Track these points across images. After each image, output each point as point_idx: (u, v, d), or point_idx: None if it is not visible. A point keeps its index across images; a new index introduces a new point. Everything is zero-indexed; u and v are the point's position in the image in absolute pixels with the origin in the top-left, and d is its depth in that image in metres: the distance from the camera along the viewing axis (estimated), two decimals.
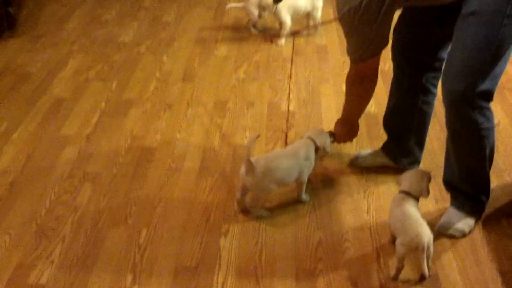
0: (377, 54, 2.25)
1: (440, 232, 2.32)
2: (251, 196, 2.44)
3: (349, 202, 2.54)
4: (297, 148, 2.46)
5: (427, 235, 2.05)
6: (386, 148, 2.73)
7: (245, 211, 2.46)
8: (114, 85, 3.50)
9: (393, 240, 2.22)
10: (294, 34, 3.90)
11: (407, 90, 2.50)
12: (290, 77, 3.57)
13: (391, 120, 2.66)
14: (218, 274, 2.16)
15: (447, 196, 2.45)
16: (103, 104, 3.29)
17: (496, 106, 3.20)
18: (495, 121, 3.10)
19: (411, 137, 2.62)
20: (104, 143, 2.95)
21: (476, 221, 2.39)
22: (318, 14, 4.06)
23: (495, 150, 2.18)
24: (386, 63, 3.66)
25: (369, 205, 2.52)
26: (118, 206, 2.51)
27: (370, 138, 2.96)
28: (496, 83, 2.09)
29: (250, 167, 2.30)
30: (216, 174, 2.71)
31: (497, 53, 2.00)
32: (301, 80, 3.54)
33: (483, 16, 1.98)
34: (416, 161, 2.68)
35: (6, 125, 3.08)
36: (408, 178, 2.25)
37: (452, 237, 2.32)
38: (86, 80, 3.56)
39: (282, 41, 3.93)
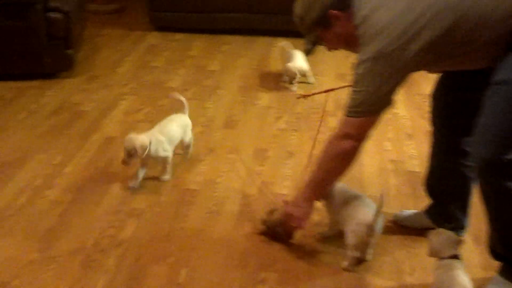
0: (381, 110, 2.20)
1: None
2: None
3: (390, 263, 2.54)
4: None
5: None
6: (429, 211, 2.66)
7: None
8: None
9: None
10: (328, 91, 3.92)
11: (446, 154, 2.48)
12: (332, 130, 3.65)
13: (431, 183, 2.62)
14: None
15: (495, 264, 2.37)
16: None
17: None
18: None
19: (453, 201, 2.55)
20: (149, 181, 3.10)
21: None
22: (189, 137, 3.30)
23: None
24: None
25: (413, 266, 2.51)
26: (160, 244, 2.64)
27: (415, 198, 2.97)
28: None
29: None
30: (255, 221, 2.79)
31: None
32: None
33: None
34: (461, 227, 2.58)
35: (60, 159, 3.28)
36: (447, 242, 2.22)
37: None
38: (134, 121, 3.75)
39: (167, 176, 3.15)
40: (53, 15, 4.14)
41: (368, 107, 2.17)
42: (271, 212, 2.67)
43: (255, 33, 5.37)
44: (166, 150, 3.07)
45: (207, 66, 4.70)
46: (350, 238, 2.44)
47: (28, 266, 2.46)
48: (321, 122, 3.22)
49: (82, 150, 3.37)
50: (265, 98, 4.15)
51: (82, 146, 3.41)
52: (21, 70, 4.25)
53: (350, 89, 2.22)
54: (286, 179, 3.16)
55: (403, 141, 3.58)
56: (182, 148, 3.30)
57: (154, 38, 5.30)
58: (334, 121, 3.78)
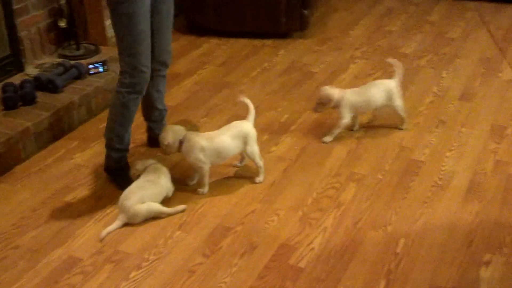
0: None
1: None
2: None
3: None
4: None
5: None
6: None
7: None
8: None
9: None
10: None
11: None
12: None
13: None
14: None
15: None
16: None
17: None
18: None
19: None
20: (373, 148, 3.02)
21: None
22: (251, 149, 2.72)
23: None
24: None
25: None
26: (379, 211, 2.55)
27: None
28: None
29: None
30: (485, 201, 2.59)
31: None
32: None
33: None
34: None
35: (287, 117, 3.34)
36: None
37: None
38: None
39: (202, 189, 2.70)
40: None
41: None
42: None
43: (505, 0, 4.86)
44: (200, 160, 2.64)
45: (447, 33, 4.40)
46: None
47: (251, 215, 2.56)
48: None
49: (309, 110, 3.38)
50: (509, 72, 3.76)
51: (310, 106, 3.41)
52: (258, 28, 4.40)
53: None
54: None
55: None
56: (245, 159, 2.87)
57: (391, 1, 5.10)
58: None
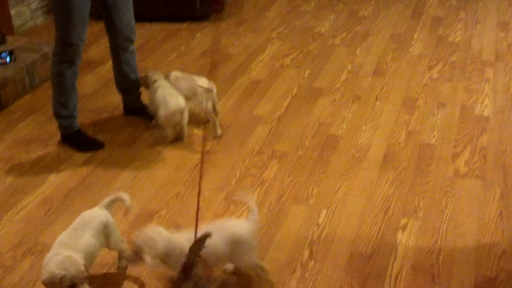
0: None
1: None
2: None
3: None
4: None
5: None
6: None
7: None
8: (306, 73, 3.64)
9: None
10: None
11: None
12: (488, 81, 3.43)
13: None
14: (392, 266, 2.18)
15: None
16: (295, 90, 3.44)
17: None
18: None
19: None
20: (293, 126, 3.09)
21: None
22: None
23: None
24: None
25: None
26: (301, 185, 2.63)
27: None
28: None
29: None
30: (399, 169, 2.71)
31: None
32: (500, 85, 3.38)
33: None
34: None
35: None
36: None
37: None
38: (281, 66, 3.73)
39: None
40: None
41: None
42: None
43: None
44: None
45: (359, 12, 4.54)
46: None
47: (175, 198, 2.57)
48: None
49: (229, 92, 3.42)
50: (419, 46, 3.93)
51: (229, 88, 3.46)
52: (174, 12, 4.37)
53: None
54: (435, 130, 3.00)
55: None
56: None
57: None
58: (490, 72, 3.53)
